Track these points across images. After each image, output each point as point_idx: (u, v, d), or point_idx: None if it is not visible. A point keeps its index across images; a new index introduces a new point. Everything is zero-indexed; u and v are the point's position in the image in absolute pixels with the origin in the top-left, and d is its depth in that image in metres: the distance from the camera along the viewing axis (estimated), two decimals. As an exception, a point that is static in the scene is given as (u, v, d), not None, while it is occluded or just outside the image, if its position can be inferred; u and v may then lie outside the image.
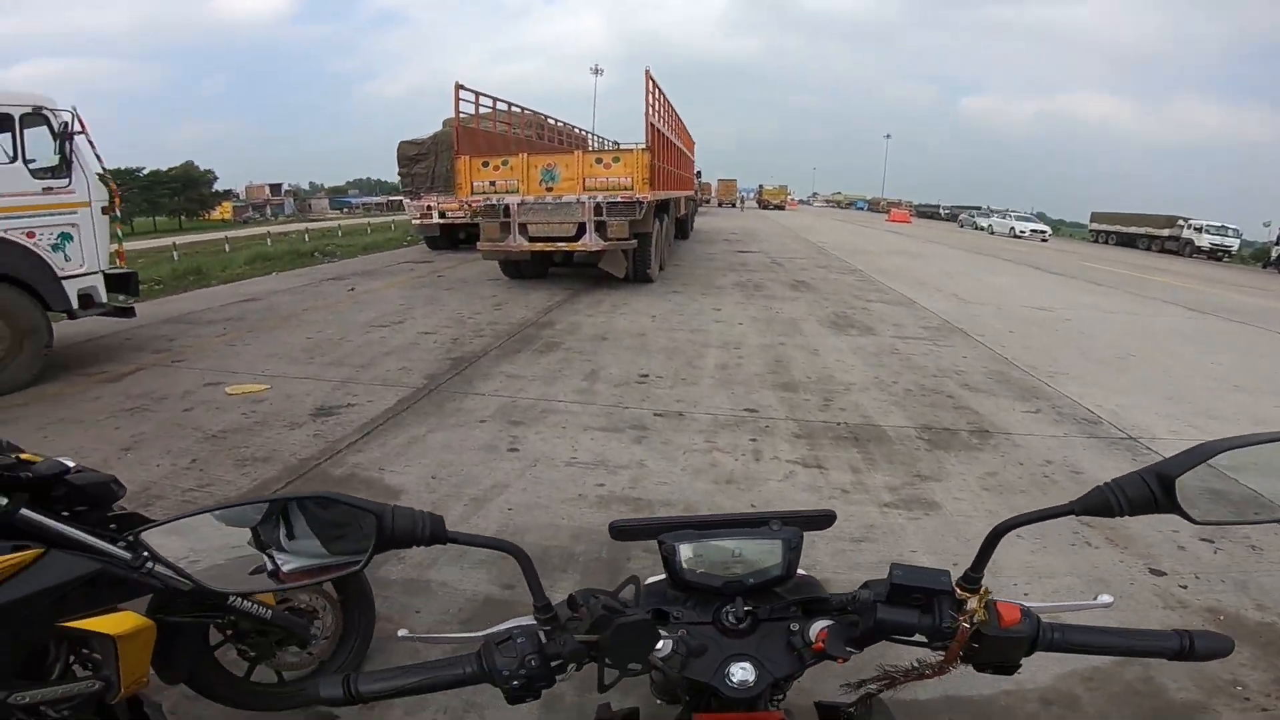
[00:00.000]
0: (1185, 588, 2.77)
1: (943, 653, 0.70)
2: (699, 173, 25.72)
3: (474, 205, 9.81)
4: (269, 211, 66.24)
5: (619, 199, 9.18)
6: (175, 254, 16.69)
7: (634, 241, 9.51)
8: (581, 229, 9.33)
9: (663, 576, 0.78)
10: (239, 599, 1.72)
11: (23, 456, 1.46)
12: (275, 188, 77.89)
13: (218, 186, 61.73)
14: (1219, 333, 8.93)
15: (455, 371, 5.64)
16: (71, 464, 1.50)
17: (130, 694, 1.50)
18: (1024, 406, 5.13)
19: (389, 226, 26.48)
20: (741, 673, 0.70)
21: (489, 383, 5.37)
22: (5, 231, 5.11)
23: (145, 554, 1.47)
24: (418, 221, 16.45)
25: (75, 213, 5.57)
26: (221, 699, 1.87)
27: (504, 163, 9.72)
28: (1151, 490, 0.67)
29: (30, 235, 5.27)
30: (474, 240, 10.90)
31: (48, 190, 5.39)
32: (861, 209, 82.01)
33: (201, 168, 57.53)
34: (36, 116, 5.38)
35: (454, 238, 16.01)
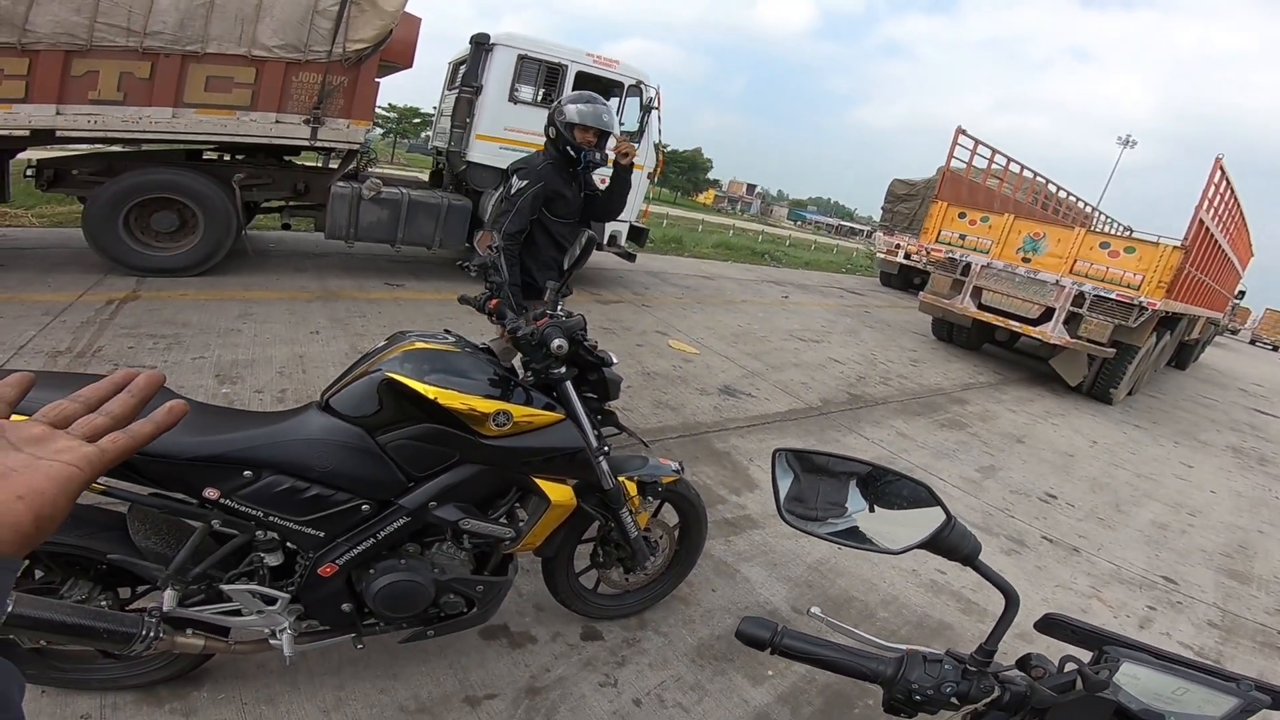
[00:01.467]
0: None
1: None
2: (1242, 292, 19.37)
3: (935, 254, 9.34)
4: (739, 207, 75.57)
5: (1113, 295, 7.53)
6: (665, 222, 20.52)
7: (1111, 350, 7.70)
8: (1047, 314, 8.00)
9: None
10: (627, 512, 1.92)
11: (596, 345, 1.81)
12: (750, 188, 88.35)
13: (710, 175, 72.63)
14: None
15: (849, 407, 5.63)
16: (615, 360, 1.84)
17: (518, 550, 1.77)
18: None
19: (832, 249, 27.46)
20: None
21: (876, 430, 5.20)
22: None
23: (605, 449, 1.80)
24: (882, 255, 16.96)
25: (633, 173, 7.28)
26: (552, 583, 2.12)
27: (983, 219, 8.94)
28: None
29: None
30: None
31: None
32: None
33: (705, 156, 68.13)
34: (636, 89, 7.12)
35: (908, 280, 15.94)
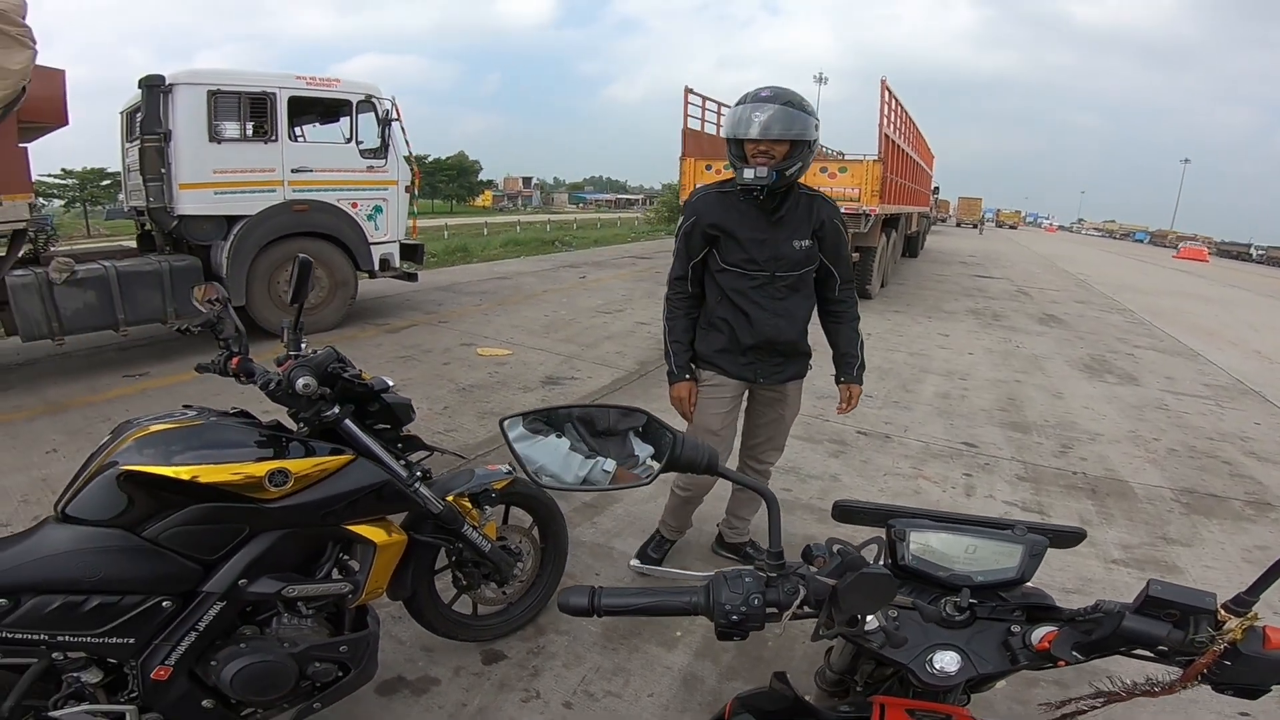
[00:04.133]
0: None
1: (1180, 670, 0.66)
2: (936, 188, 23.65)
3: (696, 207, 10.07)
4: (520, 202, 74.84)
5: (842, 208, 8.79)
6: (446, 233, 19.70)
7: (856, 254, 9.07)
8: (800, 238, 9.14)
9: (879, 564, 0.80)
10: (470, 528, 1.86)
11: (361, 374, 1.69)
12: (526, 181, 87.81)
13: (482, 177, 70.65)
14: None
15: (664, 362, 5.92)
16: (391, 383, 1.72)
17: (366, 601, 1.67)
18: (1326, 485, 4.04)
19: (615, 223, 28.49)
20: (945, 661, 0.70)
21: (693, 378, 5.54)
22: (338, 201, 6.49)
23: (419, 474, 1.70)
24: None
25: (387, 189, 6.86)
26: (425, 621, 2.03)
27: (726, 166, 9.82)
28: None
29: (354, 205, 6.63)
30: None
31: (370, 169, 6.71)
32: (1141, 241, 69.01)
33: (471, 158, 66.02)
34: (367, 104, 6.68)
35: None
